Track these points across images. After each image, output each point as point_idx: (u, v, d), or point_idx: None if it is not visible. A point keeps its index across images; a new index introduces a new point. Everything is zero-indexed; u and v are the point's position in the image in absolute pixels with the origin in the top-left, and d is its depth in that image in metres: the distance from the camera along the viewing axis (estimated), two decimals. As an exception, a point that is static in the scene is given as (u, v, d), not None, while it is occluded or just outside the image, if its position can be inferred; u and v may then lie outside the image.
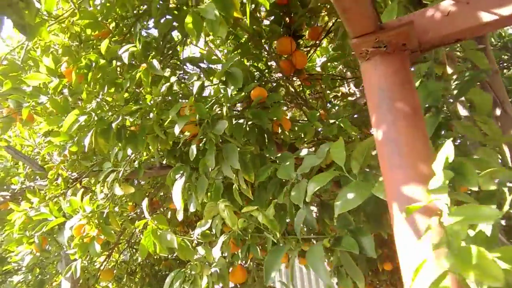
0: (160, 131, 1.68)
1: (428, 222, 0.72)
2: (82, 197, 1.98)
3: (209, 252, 1.72)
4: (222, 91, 1.57)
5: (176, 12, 1.88)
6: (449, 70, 1.79)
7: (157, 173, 2.53)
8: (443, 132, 1.33)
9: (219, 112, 1.71)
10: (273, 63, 2.62)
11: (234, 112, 2.03)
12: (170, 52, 2.18)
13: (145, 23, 2.13)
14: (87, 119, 1.66)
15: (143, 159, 2.19)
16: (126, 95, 1.80)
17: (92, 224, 1.83)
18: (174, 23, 2.01)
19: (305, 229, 1.72)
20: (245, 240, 1.80)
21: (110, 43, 1.90)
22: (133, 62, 1.96)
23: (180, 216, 1.65)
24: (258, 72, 2.38)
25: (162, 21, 1.95)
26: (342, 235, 1.22)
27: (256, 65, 2.44)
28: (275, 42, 2.35)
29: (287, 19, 2.37)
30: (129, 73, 1.68)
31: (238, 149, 1.51)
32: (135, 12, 2.08)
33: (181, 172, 1.68)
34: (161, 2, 1.87)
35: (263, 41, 2.36)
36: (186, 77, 2.48)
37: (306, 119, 2.82)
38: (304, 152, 1.45)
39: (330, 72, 3.09)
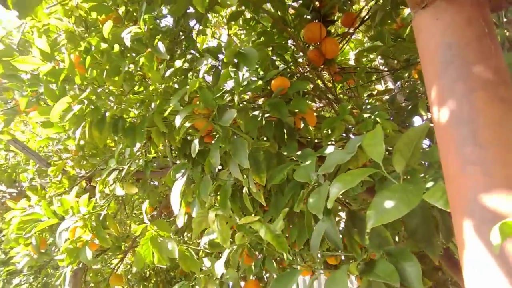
0: (161, 123, 1.45)
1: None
2: (79, 197, 1.79)
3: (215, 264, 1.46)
4: (232, 74, 1.30)
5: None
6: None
7: (169, 173, 2.31)
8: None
9: (230, 104, 1.45)
10: (300, 55, 2.33)
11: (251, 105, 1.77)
12: (183, 37, 1.96)
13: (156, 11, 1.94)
14: (82, 108, 1.46)
15: (151, 157, 1.97)
16: (126, 83, 1.58)
17: (86, 227, 1.62)
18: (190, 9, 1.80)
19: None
20: (262, 250, 1.52)
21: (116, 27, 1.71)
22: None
23: (180, 222, 1.40)
24: (283, 63, 2.10)
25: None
26: (377, 258, 0.91)
27: (280, 54, 2.16)
28: (303, 29, 2.06)
29: (316, 2, 2.08)
30: (129, 58, 1.46)
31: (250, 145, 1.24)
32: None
33: (183, 170, 1.42)
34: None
35: (289, 29, 2.09)
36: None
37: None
38: (330, 149, 1.15)
39: (367, 66, 2.75)
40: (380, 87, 3.39)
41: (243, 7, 2.10)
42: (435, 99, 0.60)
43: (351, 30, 2.33)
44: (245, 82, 1.37)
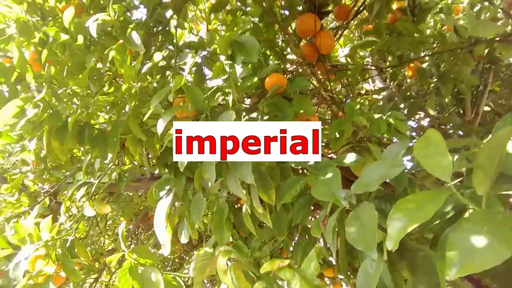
0: (138, 129, 1.19)
1: None
2: (42, 217, 1.50)
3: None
4: (228, 68, 1.06)
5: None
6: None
7: (146, 185, 2.04)
8: None
9: (223, 102, 1.21)
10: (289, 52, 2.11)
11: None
12: (160, 30, 1.70)
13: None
14: (37, 113, 1.17)
15: (125, 168, 1.70)
16: (93, 82, 1.31)
17: (49, 257, 1.33)
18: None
19: None
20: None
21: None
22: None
23: (166, 250, 1.14)
24: (276, 58, 1.88)
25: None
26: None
27: (273, 49, 1.92)
28: (295, 21, 1.85)
29: (309, -9, 1.88)
30: (96, 51, 1.19)
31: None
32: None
33: (168, 187, 1.17)
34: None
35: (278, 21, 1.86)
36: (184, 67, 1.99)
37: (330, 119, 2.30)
38: (351, 157, 0.93)
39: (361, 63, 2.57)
40: (368, 86, 3.24)
41: (226, -3, 1.86)
42: None
43: (344, 24, 2.15)
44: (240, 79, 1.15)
